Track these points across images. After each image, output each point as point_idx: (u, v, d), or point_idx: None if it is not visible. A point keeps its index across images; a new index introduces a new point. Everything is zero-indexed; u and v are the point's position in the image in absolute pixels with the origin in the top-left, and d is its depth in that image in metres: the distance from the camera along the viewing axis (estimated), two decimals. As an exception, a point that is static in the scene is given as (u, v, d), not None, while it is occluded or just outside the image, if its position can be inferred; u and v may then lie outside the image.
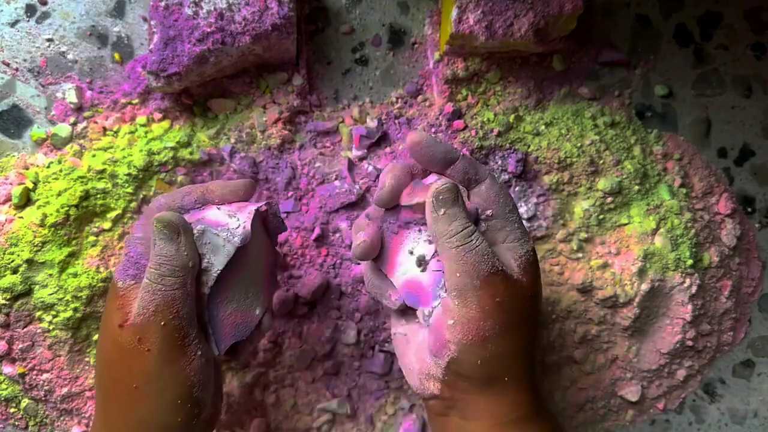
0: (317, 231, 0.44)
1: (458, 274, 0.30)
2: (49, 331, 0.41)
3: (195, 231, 0.32)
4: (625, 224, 0.47)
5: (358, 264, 0.45)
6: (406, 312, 0.36)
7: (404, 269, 0.34)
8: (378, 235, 0.34)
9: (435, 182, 0.31)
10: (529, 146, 0.46)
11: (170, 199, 0.34)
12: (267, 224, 0.37)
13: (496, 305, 0.30)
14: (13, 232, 0.41)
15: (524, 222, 0.47)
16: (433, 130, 0.45)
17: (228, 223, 0.32)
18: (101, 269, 0.42)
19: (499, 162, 0.46)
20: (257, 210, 0.34)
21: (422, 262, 0.33)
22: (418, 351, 0.34)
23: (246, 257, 0.34)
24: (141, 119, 0.44)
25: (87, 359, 0.43)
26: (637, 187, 0.46)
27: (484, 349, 0.31)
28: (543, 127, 0.46)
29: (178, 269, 0.30)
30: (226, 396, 0.45)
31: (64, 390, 0.43)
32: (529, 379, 0.33)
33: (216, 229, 0.32)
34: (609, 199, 0.46)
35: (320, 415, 0.46)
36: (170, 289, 0.30)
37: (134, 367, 0.31)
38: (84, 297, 0.41)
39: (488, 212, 0.33)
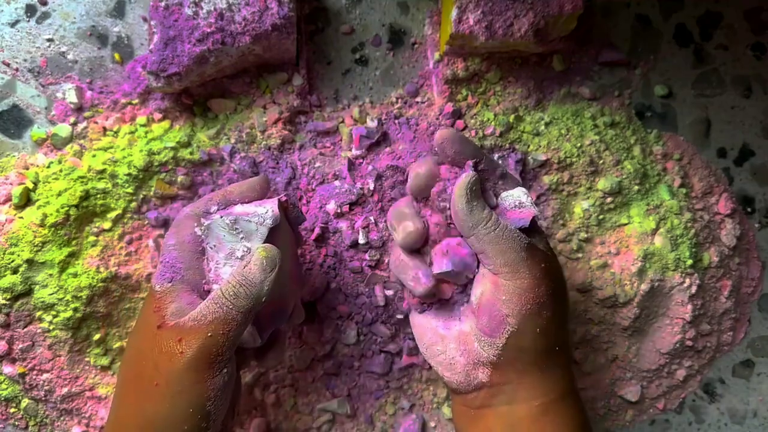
0: (317, 231, 0.44)
1: (504, 253, 0.32)
2: (49, 331, 0.41)
3: (227, 221, 0.33)
4: (625, 224, 0.47)
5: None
6: (432, 308, 0.38)
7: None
8: (424, 225, 0.36)
9: (464, 175, 0.33)
10: (528, 146, 0.46)
11: (195, 207, 0.36)
12: (287, 215, 0.38)
13: (544, 271, 0.33)
14: (13, 232, 0.41)
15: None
16: (432, 129, 0.45)
17: (256, 211, 0.34)
18: (101, 269, 0.42)
19: (499, 162, 0.46)
20: (279, 200, 0.36)
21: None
22: (460, 342, 0.35)
23: (275, 244, 0.34)
24: (141, 119, 0.44)
25: (87, 359, 0.43)
26: (636, 187, 0.46)
27: (540, 317, 0.33)
28: (543, 127, 0.46)
29: (254, 296, 0.31)
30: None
31: (64, 390, 0.43)
32: (571, 350, 0.36)
33: (247, 217, 0.33)
34: (609, 199, 0.46)
35: (320, 415, 0.46)
36: (236, 310, 0.31)
37: (162, 366, 0.31)
38: (84, 297, 0.41)
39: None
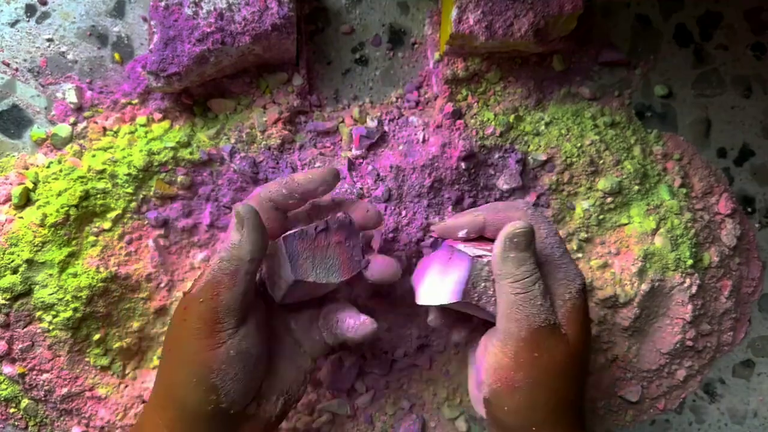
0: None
1: (508, 321, 0.31)
2: (49, 331, 0.41)
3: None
4: (625, 224, 0.47)
5: None
6: (469, 321, 0.37)
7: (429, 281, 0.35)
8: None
9: (512, 222, 0.31)
10: (528, 146, 0.46)
11: (268, 189, 0.36)
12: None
13: (532, 360, 0.31)
14: (13, 232, 0.41)
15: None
16: (432, 129, 0.45)
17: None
18: (101, 269, 0.42)
19: (499, 162, 0.46)
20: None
21: None
22: (474, 370, 0.35)
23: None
24: (141, 119, 0.44)
25: (87, 359, 0.43)
26: (637, 187, 0.46)
27: (512, 399, 0.31)
28: (543, 127, 0.46)
29: (235, 257, 0.31)
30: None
31: (64, 390, 0.43)
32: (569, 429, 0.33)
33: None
34: (609, 199, 0.46)
35: (320, 415, 0.46)
36: (221, 272, 0.31)
37: (173, 333, 0.33)
38: (84, 297, 0.41)
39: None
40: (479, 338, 0.36)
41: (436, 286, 0.34)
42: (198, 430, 0.33)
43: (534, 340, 0.30)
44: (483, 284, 0.32)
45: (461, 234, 0.35)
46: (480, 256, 0.32)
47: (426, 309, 0.38)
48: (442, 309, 0.36)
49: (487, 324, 0.35)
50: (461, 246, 0.34)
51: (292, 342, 0.37)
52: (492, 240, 0.34)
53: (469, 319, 0.37)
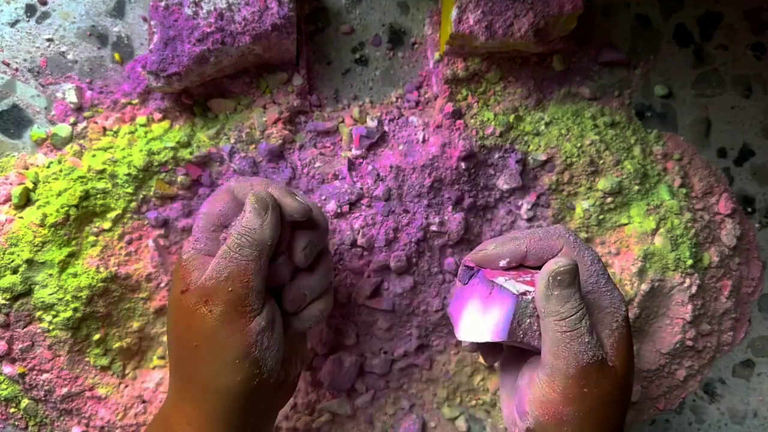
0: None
1: (555, 357, 0.30)
2: (49, 331, 0.41)
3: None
4: (625, 224, 0.47)
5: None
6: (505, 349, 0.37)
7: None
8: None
9: (555, 259, 0.30)
10: (528, 146, 0.46)
11: (238, 182, 0.35)
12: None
13: (581, 395, 0.30)
14: (13, 232, 0.41)
15: (524, 223, 0.47)
16: (432, 129, 0.45)
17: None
18: (101, 269, 0.42)
19: (499, 162, 0.46)
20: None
21: None
22: (510, 392, 0.35)
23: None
24: (141, 119, 0.44)
25: (87, 359, 0.43)
26: (637, 187, 0.46)
27: (559, 431, 0.31)
28: (543, 127, 0.46)
29: (257, 242, 0.32)
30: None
31: (64, 390, 0.43)
32: None
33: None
34: (609, 199, 0.46)
35: (320, 415, 0.46)
36: (245, 260, 0.32)
37: (195, 327, 0.32)
38: (84, 297, 0.41)
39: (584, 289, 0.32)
40: (512, 361, 0.36)
41: (478, 322, 0.33)
42: (241, 411, 0.33)
43: (582, 377, 0.30)
44: (528, 321, 0.32)
45: (502, 263, 0.34)
46: (524, 293, 0.31)
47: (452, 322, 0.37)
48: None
49: (522, 348, 0.34)
50: (502, 280, 0.33)
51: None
52: (531, 268, 0.34)
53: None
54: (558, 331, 0.30)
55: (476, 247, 0.36)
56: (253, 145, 0.45)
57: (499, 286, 0.32)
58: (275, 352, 0.33)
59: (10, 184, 0.42)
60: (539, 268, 0.32)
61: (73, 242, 0.42)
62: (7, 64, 0.44)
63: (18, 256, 0.40)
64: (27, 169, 0.43)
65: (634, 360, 0.33)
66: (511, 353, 0.37)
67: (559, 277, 0.30)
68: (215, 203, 0.35)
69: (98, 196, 0.42)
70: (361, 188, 0.44)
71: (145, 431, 0.38)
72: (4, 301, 0.40)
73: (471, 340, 0.33)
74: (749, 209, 0.50)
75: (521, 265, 0.35)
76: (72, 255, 0.42)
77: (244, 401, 0.33)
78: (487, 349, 0.37)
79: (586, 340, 0.30)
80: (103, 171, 0.42)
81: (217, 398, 0.33)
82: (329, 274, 0.37)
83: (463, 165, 0.44)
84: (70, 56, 0.45)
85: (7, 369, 0.42)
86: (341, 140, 0.46)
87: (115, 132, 0.44)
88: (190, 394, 0.33)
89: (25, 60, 0.44)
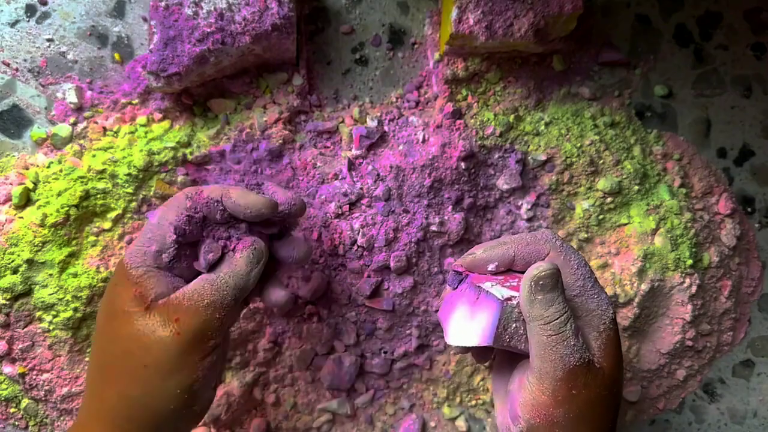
0: (316, 231, 0.44)
1: (543, 361, 0.30)
2: (49, 331, 0.41)
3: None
4: (625, 224, 0.47)
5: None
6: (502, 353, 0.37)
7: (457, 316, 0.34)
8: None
9: (536, 264, 0.31)
10: (528, 146, 0.46)
11: (191, 191, 0.35)
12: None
13: (571, 396, 0.30)
14: (13, 232, 0.41)
15: (524, 223, 0.47)
16: (432, 129, 0.45)
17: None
18: (101, 269, 0.42)
19: (499, 162, 0.46)
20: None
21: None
22: (503, 399, 0.35)
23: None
24: (141, 119, 0.44)
25: (87, 359, 0.43)
26: (636, 187, 0.46)
27: None
28: (543, 127, 0.46)
29: (243, 288, 0.33)
30: (226, 396, 0.45)
31: (64, 390, 0.43)
32: None
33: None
34: (609, 199, 0.46)
35: (320, 415, 0.46)
36: (229, 297, 0.33)
37: (153, 346, 0.31)
38: (84, 297, 0.41)
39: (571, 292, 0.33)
40: (505, 365, 0.36)
41: (465, 327, 0.33)
42: None
43: (570, 379, 0.30)
44: (514, 325, 0.32)
45: (491, 268, 0.34)
46: (509, 299, 0.32)
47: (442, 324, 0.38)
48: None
49: (512, 355, 0.35)
50: (488, 285, 0.33)
51: None
52: (520, 272, 0.34)
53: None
54: (543, 334, 0.30)
55: (466, 252, 0.36)
56: (253, 145, 0.45)
57: (486, 291, 0.33)
58: (211, 389, 0.34)
59: (11, 184, 0.43)
60: None
61: (74, 242, 0.42)
62: (8, 64, 0.44)
63: (18, 256, 0.40)
64: (27, 169, 0.43)
65: (622, 361, 0.33)
66: (503, 360, 0.37)
67: (541, 282, 0.30)
68: (168, 213, 0.33)
69: (98, 196, 0.42)
70: (361, 188, 0.44)
71: None
72: (4, 301, 0.40)
73: (459, 344, 0.33)
74: (749, 209, 0.50)
75: (510, 270, 0.35)
76: (72, 255, 0.42)
77: (166, 429, 0.32)
78: (478, 351, 0.38)
79: (572, 342, 0.30)
80: (103, 171, 0.42)
81: (141, 422, 0.32)
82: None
83: (463, 165, 0.44)
84: (70, 56, 0.45)
85: (8, 369, 0.42)
86: (341, 140, 0.46)
87: (116, 132, 0.44)
88: (112, 413, 0.32)
89: (25, 60, 0.45)
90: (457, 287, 0.35)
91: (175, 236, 0.33)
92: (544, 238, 0.34)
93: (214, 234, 0.34)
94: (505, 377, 0.36)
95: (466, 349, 0.39)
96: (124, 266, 0.33)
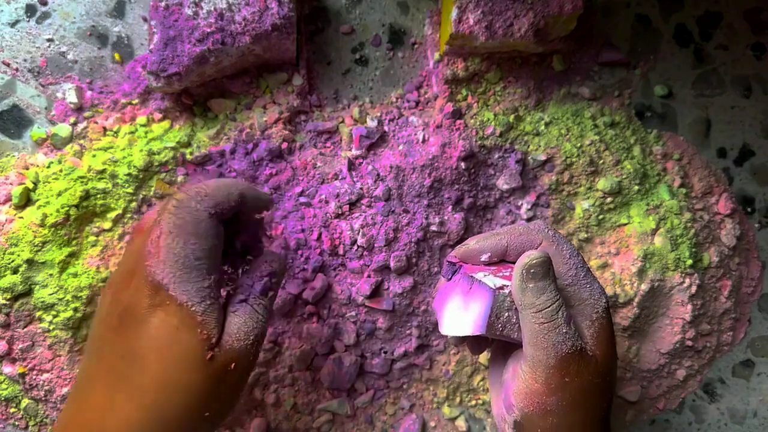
0: (316, 231, 0.44)
1: (535, 349, 0.31)
2: (49, 331, 0.41)
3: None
4: (625, 224, 0.47)
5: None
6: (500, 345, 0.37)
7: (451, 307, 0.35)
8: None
9: (527, 252, 0.31)
10: (528, 146, 0.46)
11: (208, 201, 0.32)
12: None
13: (563, 384, 0.31)
14: (13, 232, 0.41)
15: (524, 222, 0.47)
16: (432, 129, 0.45)
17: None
18: (101, 269, 0.42)
19: (499, 162, 0.46)
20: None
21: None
22: (499, 390, 0.35)
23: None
24: (141, 119, 0.44)
25: (87, 359, 0.43)
26: (636, 187, 0.46)
27: (545, 421, 0.31)
28: (543, 127, 0.47)
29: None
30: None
31: (64, 390, 0.43)
32: None
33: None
34: (609, 199, 0.46)
35: (320, 415, 0.46)
36: (266, 322, 0.32)
37: (223, 396, 0.30)
38: (84, 297, 0.41)
39: (564, 280, 0.33)
40: (500, 357, 0.36)
41: (459, 317, 0.34)
42: None
43: (563, 366, 0.30)
44: (506, 314, 0.32)
45: (484, 258, 0.35)
46: (501, 288, 0.32)
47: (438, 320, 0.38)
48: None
49: (508, 343, 0.35)
50: (481, 275, 0.33)
51: None
52: (513, 263, 0.34)
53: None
54: (536, 322, 0.30)
55: (460, 244, 0.36)
56: (253, 145, 0.45)
57: (478, 281, 0.33)
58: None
59: (11, 184, 0.43)
60: None
61: (74, 242, 0.42)
62: (8, 64, 0.44)
63: (18, 256, 0.40)
64: (27, 169, 0.43)
65: (615, 350, 0.33)
66: (498, 351, 0.37)
67: (532, 270, 0.30)
68: (210, 233, 0.30)
69: (98, 196, 0.42)
70: (361, 188, 0.44)
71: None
72: (4, 301, 0.40)
73: (453, 334, 0.33)
74: (749, 209, 0.50)
75: (503, 260, 0.35)
76: (72, 255, 0.42)
77: None
78: (473, 342, 0.38)
79: (564, 330, 0.30)
80: (103, 171, 0.42)
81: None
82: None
83: (463, 165, 0.44)
84: (70, 56, 0.45)
85: (8, 369, 0.42)
86: (341, 140, 0.46)
87: (116, 132, 0.44)
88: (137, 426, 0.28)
89: (25, 60, 0.45)
90: (451, 278, 0.36)
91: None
92: (536, 229, 0.34)
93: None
94: (500, 369, 0.36)
95: (461, 340, 0.39)
96: (183, 307, 0.28)
